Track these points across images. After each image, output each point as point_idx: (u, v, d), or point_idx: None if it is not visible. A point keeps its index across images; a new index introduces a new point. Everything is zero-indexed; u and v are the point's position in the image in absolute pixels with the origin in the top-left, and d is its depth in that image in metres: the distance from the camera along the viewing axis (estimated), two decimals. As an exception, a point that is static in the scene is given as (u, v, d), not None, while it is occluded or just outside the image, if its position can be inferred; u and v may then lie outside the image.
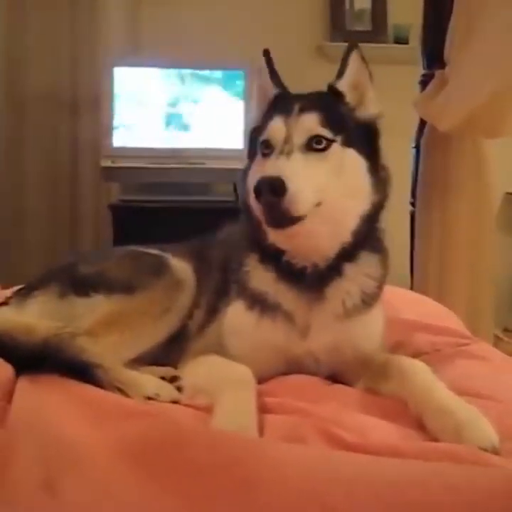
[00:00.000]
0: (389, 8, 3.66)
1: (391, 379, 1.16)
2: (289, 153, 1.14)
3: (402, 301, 1.82)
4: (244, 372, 1.13)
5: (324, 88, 1.27)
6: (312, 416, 1.02)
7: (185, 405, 1.12)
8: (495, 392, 1.16)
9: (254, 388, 1.09)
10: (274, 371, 1.25)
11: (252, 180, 1.14)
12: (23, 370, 1.12)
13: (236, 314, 1.28)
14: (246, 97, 3.13)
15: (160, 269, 1.38)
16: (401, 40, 3.60)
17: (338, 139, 1.18)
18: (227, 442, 0.85)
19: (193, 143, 3.25)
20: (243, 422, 0.97)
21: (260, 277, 1.26)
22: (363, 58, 1.26)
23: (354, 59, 1.25)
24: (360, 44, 1.26)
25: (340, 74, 1.26)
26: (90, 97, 3.41)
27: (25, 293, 1.38)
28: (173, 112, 3.27)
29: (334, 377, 1.28)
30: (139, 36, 3.57)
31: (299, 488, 0.75)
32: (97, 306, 1.29)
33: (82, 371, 1.10)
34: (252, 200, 1.13)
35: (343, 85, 1.26)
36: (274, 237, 1.18)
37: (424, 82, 2.68)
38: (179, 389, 1.18)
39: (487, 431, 0.94)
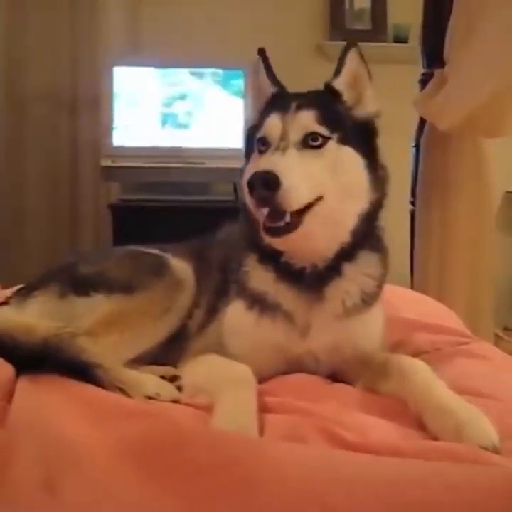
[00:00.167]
0: (389, 8, 3.66)
1: (391, 378, 1.16)
2: (284, 150, 1.13)
3: (402, 300, 1.82)
4: (244, 372, 1.13)
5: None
6: (312, 415, 1.02)
7: (186, 405, 1.12)
8: (495, 391, 1.15)
9: (254, 388, 1.09)
10: (274, 371, 1.25)
11: (246, 177, 1.13)
12: (23, 370, 1.12)
13: (236, 314, 1.28)
14: (246, 96, 3.13)
15: (160, 269, 1.38)
16: (401, 39, 3.60)
17: (335, 136, 1.17)
18: (227, 442, 0.84)
19: (192, 142, 3.24)
20: (243, 422, 0.97)
21: (260, 277, 1.26)
22: (361, 57, 1.25)
23: (351, 58, 1.25)
24: (359, 43, 1.26)
25: (337, 72, 1.26)
26: (90, 96, 3.41)
27: (25, 293, 1.38)
28: (172, 111, 3.27)
29: (334, 377, 1.28)
30: (139, 36, 3.57)
31: (299, 488, 0.75)
32: (97, 306, 1.29)
33: (82, 371, 1.10)
34: (247, 195, 1.13)
35: (339, 84, 1.25)
36: (271, 239, 1.17)
37: (424, 82, 2.68)
38: (179, 388, 1.18)
39: (487, 430, 0.93)
